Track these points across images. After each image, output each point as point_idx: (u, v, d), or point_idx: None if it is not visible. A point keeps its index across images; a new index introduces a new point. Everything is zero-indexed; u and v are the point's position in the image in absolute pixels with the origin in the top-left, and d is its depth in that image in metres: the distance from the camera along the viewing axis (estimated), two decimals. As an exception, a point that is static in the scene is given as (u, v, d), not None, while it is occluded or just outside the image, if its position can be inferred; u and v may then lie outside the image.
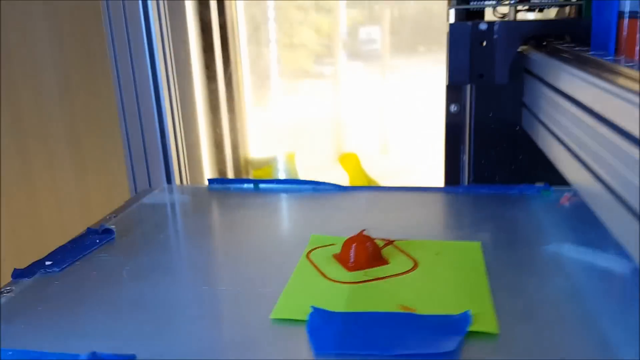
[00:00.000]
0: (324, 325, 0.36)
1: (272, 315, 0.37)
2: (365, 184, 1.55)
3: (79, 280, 0.44)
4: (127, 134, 0.82)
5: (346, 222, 0.54)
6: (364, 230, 0.45)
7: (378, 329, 0.35)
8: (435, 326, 0.35)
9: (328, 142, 1.51)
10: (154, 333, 0.36)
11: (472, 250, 0.46)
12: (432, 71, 1.28)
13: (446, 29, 0.70)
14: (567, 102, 0.50)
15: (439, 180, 1.09)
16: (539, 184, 0.60)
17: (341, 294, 0.40)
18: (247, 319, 0.38)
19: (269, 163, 1.49)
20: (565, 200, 0.57)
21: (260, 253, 0.48)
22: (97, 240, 0.51)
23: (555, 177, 0.69)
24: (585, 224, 0.51)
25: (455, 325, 0.35)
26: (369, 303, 0.38)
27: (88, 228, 0.54)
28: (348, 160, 1.58)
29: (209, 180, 0.68)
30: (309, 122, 1.46)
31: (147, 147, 0.82)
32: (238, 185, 0.66)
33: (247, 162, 1.39)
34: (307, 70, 1.39)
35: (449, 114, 0.76)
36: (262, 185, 0.66)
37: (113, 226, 0.55)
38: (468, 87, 0.73)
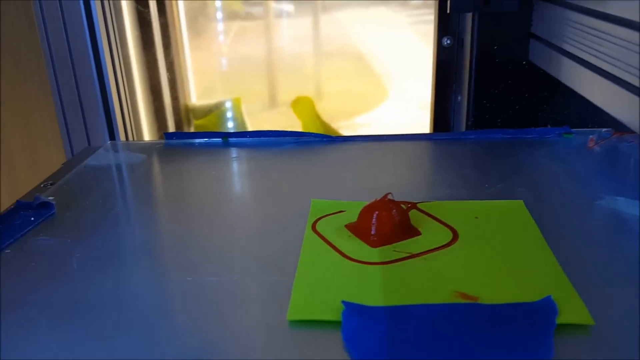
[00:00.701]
0: (364, 327, 0.26)
1: (289, 317, 0.27)
2: (321, 131, 1.45)
3: (13, 274, 0.33)
4: (56, 80, 0.68)
5: (346, 181, 0.44)
6: (389, 194, 0.35)
7: (438, 327, 0.26)
8: (514, 320, 0.26)
9: (273, 85, 1.41)
10: (123, 345, 0.26)
11: (516, 212, 0.37)
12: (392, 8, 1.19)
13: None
14: (616, 27, 0.41)
15: (411, 125, 1.01)
16: (557, 127, 0.52)
17: (371, 279, 0.30)
18: (254, 321, 0.28)
19: (212, 110, 1.35)
20: (592, 143, 0.49)
21: (248, 227, 0.38)
22: (32, 218, 0.39)
23: (563, 117, 0.61)
24: (628, 171, 0.44)
25: (539, 317, 0.26)
26: (413, 290, 0.29)
27: (17, 201, 0.42)
28: (302, 105, 1.46)
29: (166, 134, 0.56)
30: (250, 66, 1.35)
31: (83, 96, 0.69)
32: (202, 140, 0.55)
33: (188, 111, 1.26)
34: (247, 11, 1.29)
35: (440, 48, 0.66)
36: (232, 139, 0.55)
37: (51, 198, 0.43)
38: (465, 17, 0.63)
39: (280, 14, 1.35)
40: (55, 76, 0.67)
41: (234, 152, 0.51)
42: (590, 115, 0.60)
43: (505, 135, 0.51)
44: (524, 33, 0.59)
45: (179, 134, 0.56)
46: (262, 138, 0.54)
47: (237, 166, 0.48)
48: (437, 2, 0.65)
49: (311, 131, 1.44)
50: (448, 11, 0.57)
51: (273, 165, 0.48)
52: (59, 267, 0.33)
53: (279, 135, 0.54)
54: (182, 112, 1.22)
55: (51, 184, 0.46)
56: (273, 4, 1.32)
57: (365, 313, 0.27)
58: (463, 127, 0.65)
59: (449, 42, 0.66)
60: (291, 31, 1.34)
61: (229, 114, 1.41)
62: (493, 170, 0.44)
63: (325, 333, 0.26)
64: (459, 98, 0.66)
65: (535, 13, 0.57)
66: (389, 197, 0.35)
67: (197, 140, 0.55)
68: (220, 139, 0.55)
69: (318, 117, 1.44)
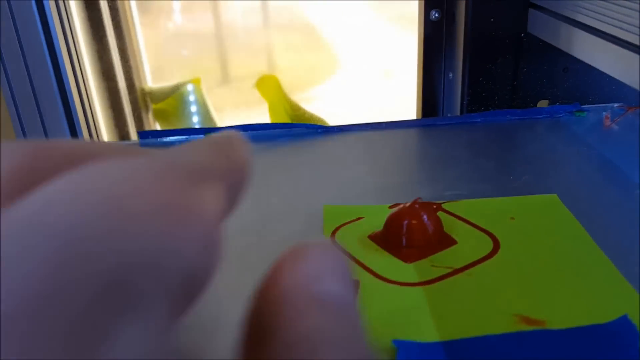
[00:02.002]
0: None
1: (331, 362, 0.23)
2: (288, 111, 1.40)
3: None
4: (6, 75, 0.60)
5: (352, 179, 0.40)
6: (419, 198, 0.31)
7: None
8: (590, 347, 0.23)
9: (224, 61, 1.35)
10: None
11: (553, 208, 0.33)
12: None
13: None
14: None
15: (373, 95, 0.96)
16: (567, 105, 0.49)
17: (415, 304, 0.26)
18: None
19: (170, 94, 1.28)
20: (608, 121, 0.46)
21: (251, 240, 0.33)
22: None
23: (564, 92, 0.58)
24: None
25: (618, 342, 0.23)
26: (467, 317, 0.25)
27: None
28: (267, 84, 1.40)
29: (140, 133, 0.50)
30: (200, 42, 1.30)
31: (38, 91, 0.62)
32: (181, 138, 0.50)
33: (145, 95, 1.19)
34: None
35: (427, 23, 0.62)
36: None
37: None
38: (456, -13, 0.59)
39: None
40: (5, 71, 0.60)
41: (220, 151, 0.46)
42: (594, 88, 0.57)
43: (514, 116, 0.48)
44: (523, 3, 0.55)
45: (155, 133, 0.50)
46: (249, 132, 0.49)
47: (227, 167, 0.43)
48: (424, -28, 0.61)
49: (278, 111, 1.40)
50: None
51: (266, 164, 0.43)
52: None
53: (268, 128, 0.49)
54: (139, 97, 1.15)
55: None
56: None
57: (423, 353, 0.23)
58: (457, 106, 0.61)
59: (437, 15, 0.61)
60: (239, 4, 1.28)
61: (191, 97, 1.34)
62: (511, 159, 0.41)
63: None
64: (450, 75, 0.62)
65: (535, -19, 0.53)
66: (419, 201, 0.31)
67: (176, 138, 0.50)
68: (202, 135, 0.49)
69: (285, 96, 1.38)
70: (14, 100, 0.61)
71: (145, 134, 0.50)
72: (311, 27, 1.38)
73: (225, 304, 0.27)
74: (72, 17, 0.68)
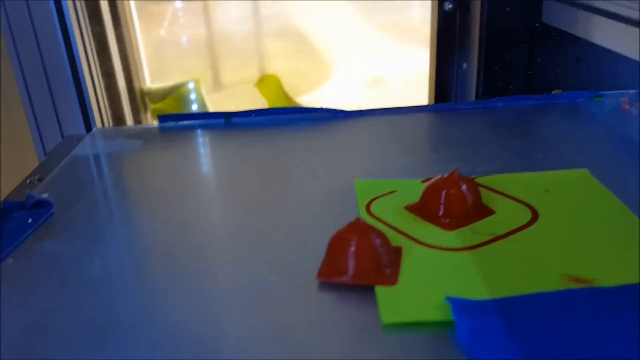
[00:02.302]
0: (480, 325, 0.22)
1: (385, 319, 0.23)
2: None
3: (21, 288, 0.27)
4: (20, 64, 0.60)
5: (386, 159, 0.40)
6: (457, 168, 0.31)
7: (560, 317, 0.22)
8: None
9: (215, 67, 1.36)
10: None
11: (586, 181, 0.34)
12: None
13: None
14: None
15: (364, 101, 0.97)
16: (585, 91, 0.49)
17: (462, 267, 0.26)
18: (339, 327, 0.23)
19: (169, 93, 1.28)
20: (626, 105, 0.46)
21: (287, 218, 0.33)
22: (29, 220, 0.33)
23: (578, 81, 0.58)
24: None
25: None
26: (516, 277, 0.25)
27: (5, 201, 0.35)
28: (267, 83, 1.40)
29: (160, 117, 0.50)
30: (191, 48, 1.31)
31: (53, 82, 0.61)
32: (201, 122, 0.49)
33: (144, 94, 1.19)
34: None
35: (442, 14, 0.63)
36: (234, 120, 0.49)
37: (45, 195, 0.37)
38: (471, -23, 0.59)
39: None
40: (18, 59, 0.59)
41: (241, 134, 0.46)
42: (606, 79, 0.58)
43: (534, 101, 0.48)
44: (537, -7, 0.55)
45: (175, 116, 0.50)
46: (268, 116, 0.49)
47: (249, 149, 0.43)
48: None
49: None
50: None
51: (290, 146, 0.43)
52: (78, 278, 0.28)
53: (287, 113, 0.49)
54: (138, 97, 1.15)
55: (39, 180, 0.40)
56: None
57: (476, 309, 0.23)
58: (471, 96, 0.61)
59: (451, 6, 0.62)
60: (231, 11, 1.30)
61: (192, 96, 1.35)
62: (536, 138, 0.41)
63: (427, 335, 0.22)
64: (465, 66, 0.62)
65: (551, -29, 0.54)
66: (457, 172, 0.31)
67: (196, 122, 0.49)
68: (221, 120, 0.49)
69: (286, 95, 1.38)
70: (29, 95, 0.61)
71: (164, 118, 0.50)
72: (303, 34, 1.39)
73: (273, 277, 0.27)
74: (86, 16, 0.68)
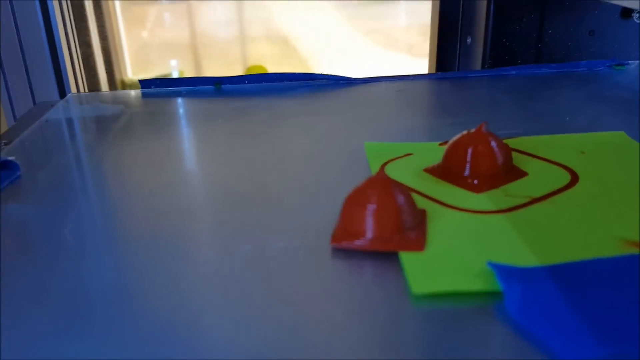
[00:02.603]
0: (531, 292, 0.18)
1: (415, 290, 0.19)
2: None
3: (-25, 259, 0.22)
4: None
5: (397, 123, 0.36)
6: (485, 123, 0.27)
7: (621, 285, 0.19)
8: None
9: (198, 71, 1.34)
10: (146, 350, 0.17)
11: (624, 143, 0.30)
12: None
13: None
14: None
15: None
16: (605, 60, 0.46)
17: (501, 232, 0.22)
18: (364, 299, 0.19)
19: None
20: (651, 75, 0.43)
21: (291, 178, 0.29)
22: (-10, 183, 0.29)
23: (587, 57, 0.55)
24: None
25: None
26: (565, 242, 0.21)
27: (-36, 164, 0.31)
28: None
29: (142, 82, 0.45)
30: (174, 51, 1.29)
31: (26, 48, 0.56)
32: (188, 88, 0.45)
33: (126, 87, 1.14)
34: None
35: (445, -16, 0.59)
36: (226, 87, 0.45)
37: (11, 157, 0.32)
38: (479, -58, 0.56)
39: None
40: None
41: (234, 100, 0.42)
42: (619, 53, 0.54)
43: (551, 69, 0.44)
44: (550, -42, 0.52)
45: (158, 81, 0.45)
46: (263, 83, 0.45)
47: (243, 115, 0.39)
48: None
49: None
50: None
51: (288, 112, 0.39)
52: (48, 243, 0.23)
53: (284, 79, 0.45)
54: (119, 88, 1.11)
55: (5, 144, 0.35)
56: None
57: (527, 276, 0.19)
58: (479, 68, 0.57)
59: (456, -24, 0.58)
60: (215, 14, 1.28)
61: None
62: (560, 102, 0.37)
63: (467, 307, 0.18)
64: (469, 40, 0.59)
65: None
66: (485, 128, 0.27)
67: (182, 88, 0.45)
68: (211, 87, 0.45)
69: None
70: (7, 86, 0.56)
71: (146, 83, 0.45)
72: (287, 39, 1.37)
73: (278, 244, 0.23)
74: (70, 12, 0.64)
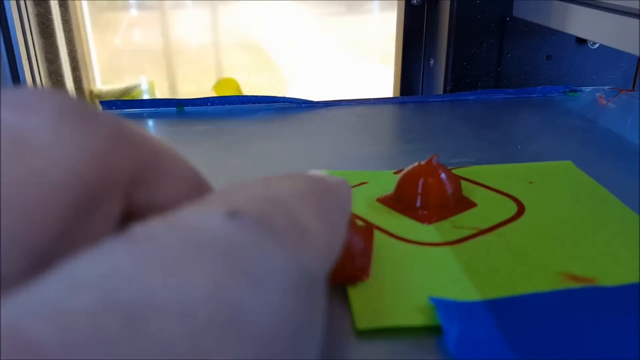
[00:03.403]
0: (470, 329, 0.19)
1: (359, 325, 0.20)
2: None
3: None
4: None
5: (353, 150, 0.36)
6: (436, 155, 0.28)
7: (562, 319, 0.19)
8: None
9: (172, 78, 1.34)
10: None
11: (571, 173, 0.31)
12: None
13: None
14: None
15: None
16: (559, 85, 0.47)
17: (445, 264, 0.23)
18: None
19: (121, 95, 1.23)
20: (602, 100, 0.44)
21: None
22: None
23: (549, 79, 0.57)
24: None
25: None
26: (506, 276, 0.22)
27: None
28: (226, 88, 1.36)
29: (102, 103, 0.45)
30: (146, 58, 1.29)
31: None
32: (151, 110, 0.45)
33: (94, 97, 1.13)
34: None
35: (408, 7, 0.60)
36: (188, 109, 0.45)
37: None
38: (440, -32, 0.57)
39: (176, 5, 1.29)
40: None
41: (196, 124, 0.42)
42: (575, 78, 0.56)
43: (507, 95, 0.46)
44: (508, -14, 0.53)
45: (120, 103, 0.45)
46: (226, 106, 0.45)
47: (204, 139, 0.39)
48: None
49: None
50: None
51: (249, 136, 0.39)
52: None
53: (247, 102, 0.45)
54: (87, 99, 1.09)
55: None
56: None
57: (465, 311, 0.20)
58: (439, 93, 0.59)
59: (418, 0, 0.59)
60: (188, 22, 1.28)
61: (146, 97, 1.29)
62: (513, 130, 0.38)
63: (409, 341, 0.19)
64: (432, 62, 0.60)
65: (523, -38, 0.52)
66: (435, 159, 0.28)
67: (144, 110, 0.45)
68: (173, 108, 0.45)
69: (245, 99, 1.34)
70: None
71: (108, 104, 0.45)
72: (262, 49, 1.37)
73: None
74: (29, 17, 0.63)
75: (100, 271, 0.08)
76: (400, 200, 0.27)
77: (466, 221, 0.26)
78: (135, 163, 0.13)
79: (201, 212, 0.11)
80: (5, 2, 0.57)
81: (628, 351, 0.18)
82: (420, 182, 0.27)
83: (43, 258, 0.10)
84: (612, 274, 0.22)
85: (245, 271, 0.09)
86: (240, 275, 0.09)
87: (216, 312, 0.08)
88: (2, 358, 0.06)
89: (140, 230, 0.09)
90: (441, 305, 0.20)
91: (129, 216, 0.13)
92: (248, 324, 0.09)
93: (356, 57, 1.34)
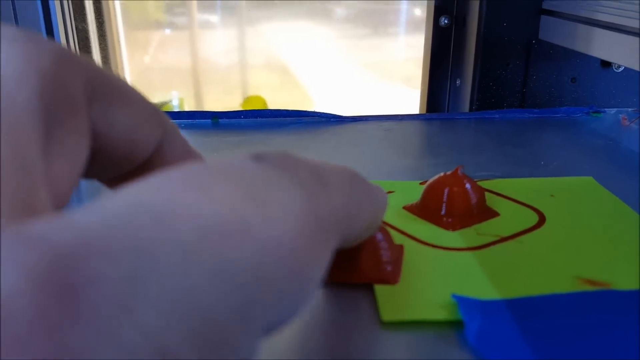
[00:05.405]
0: (490, 324, 0.20)
1: (384, 318, 0.21)
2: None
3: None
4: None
5: (380, 162, 0.38)
6: (461, 166, 0.29)
7: (574, 319, 0.20)
8: None
9: (199, 97, 1.38)
10: None
11: (592, 188, 0.32)
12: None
13: None
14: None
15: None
16: (582, 107, 0.48)
17: (468, 267, 0.24)
18: (336, 325, 0.21)
19: None
20: (625, 121, 0.45)
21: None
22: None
23: (568, 102, 0.58)
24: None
25: None
26: (525, 279, 0.23)
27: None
28: (254, 105, 1.39)
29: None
30: (174, 77, 1.33)
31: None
32: (187, 122, 0.47)
33: None
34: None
35: (436, 29, 0.62)
36: (223, 121, 0.47)
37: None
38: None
39: (205, 25, 1.32)
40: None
41: (230, 135, 0.44)
42: (599, 100, 0.57)
43: (532, 114, 0.47)
44: (535, 9, 0.55)
45: (159, 115, 0.48)
46: (258, 119, 0.47)
47: (238, 149, 0.41)
48: (436, -22, 0.61)
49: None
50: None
51: (281, 148, 0.41)
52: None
53: (278, 116, 0.47)
54: None
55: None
56: (197, 15, 1.30)
57: (486, 308, 0.21)
58: (465, 112, 0.60)
59: (446, 21, 0.61)
60: (216, 42, 1.32)
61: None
62: (537, 147, 0.40)
63: (432, 334, 0.20)
64: (458, 82, 0.62)
65: (549, -13, 0.54)
66: (461, 171, 0.29)
67: (180, 121, 0.47)
68: (208, 121, 0.47)
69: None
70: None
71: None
72: (287, 68, 1.40)
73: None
74: (74, 31, 0.67)
75: (140, 186, 0.10)
76: (426, 208, 0.29)
77: (489, 229, 0.27)
78: (86, 79, 0.14)
79: (229, 157, 0.12)
80: (52, 17, 0.60)
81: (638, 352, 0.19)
82: (446, 191, 0.28)
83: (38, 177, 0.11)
84: (628, 279, 0.23)
85: (260, 198, 0.11)
86: (255, 199, 0.11)
87: (226, 221, 0.10)
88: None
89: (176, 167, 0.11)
90: (463, 301, 0.21)
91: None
92: (254, 234, 0.10)
93: (381, 78, 1.36)
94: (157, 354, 0.08)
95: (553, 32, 0.53)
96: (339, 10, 1.33)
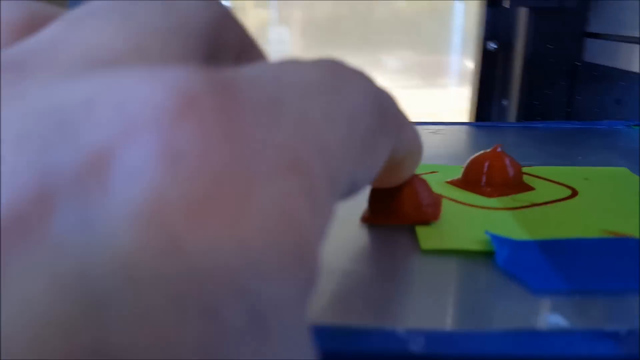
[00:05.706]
0: (519, 255, 0.23)
1: (423, 246, 0.24)
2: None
3: None
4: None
5: (423, 158, 0.41)
6: (499, 145, 0.32)
7: (597, 258, 0.23)
8: None
9: None
10: None
11: (624, 176, 0.34)
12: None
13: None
14: None
15: None
16: (624, 120, 0.50)
17: (505, 222, 0.27)
18: (375, 248, 0.24)
19: None
20: (666, 134, 0.47)
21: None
22: None
23: (617, 118, 0.59)
24: None
25: None
26: (556, 230, 0.26)
27: None
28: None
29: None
30: None
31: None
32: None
33: None
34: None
35: (485, 53, 0.65)
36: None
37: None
38: (515, 18, 0.62)
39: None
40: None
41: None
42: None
43: (575, 125, 0.49)
44: (579, 32, 0.58)
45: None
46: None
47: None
48: (485, 7, 0.65)
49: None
50: (508, 5, 0.56)
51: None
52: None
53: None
54: None
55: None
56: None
57: (517, 243, 0.23)
58: (510, 131, 0.63)
59: (494, 46, 0.64)
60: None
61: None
62: (578, 146, 0.42)
63: (465, 259, 0.23)
64: (504, 103, 0.64)
65: (593, 11, 0.57)
66: (499, 149, 0.32)
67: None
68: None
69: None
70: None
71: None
72: None
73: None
74: None
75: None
76: (467, 181, 0.32)
77: (525, 198, 0.30)
78: (239, 39, 0.16)
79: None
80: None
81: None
82: (486, 164, 0.31)
83: None
84: (650, 233, 0.25)
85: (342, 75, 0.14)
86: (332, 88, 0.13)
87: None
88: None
89: None
90: (495, 237, 0.24)
91: None
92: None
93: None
94: (291, 163, 0.10)
95: (598, 53, 0.55)
96: (390, 62, 1.38)
